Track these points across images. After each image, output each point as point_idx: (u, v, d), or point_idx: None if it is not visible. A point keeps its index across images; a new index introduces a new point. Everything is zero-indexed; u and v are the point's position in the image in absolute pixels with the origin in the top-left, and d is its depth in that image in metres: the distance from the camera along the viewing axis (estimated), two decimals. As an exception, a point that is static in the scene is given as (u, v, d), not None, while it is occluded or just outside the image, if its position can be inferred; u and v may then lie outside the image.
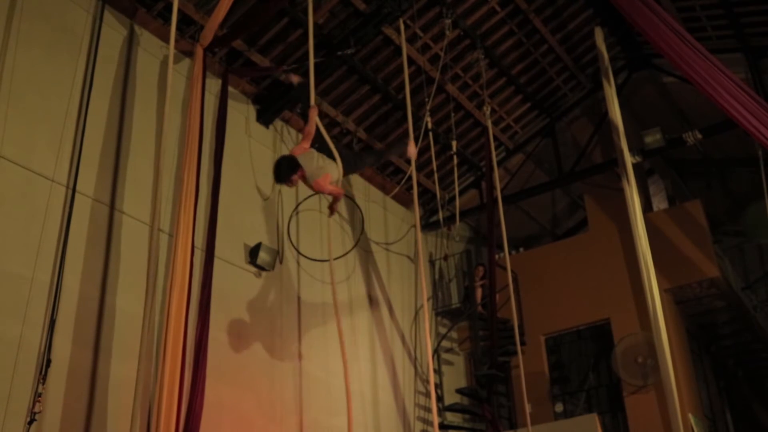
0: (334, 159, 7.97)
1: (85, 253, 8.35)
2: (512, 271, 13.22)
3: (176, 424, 7.48)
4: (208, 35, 9.47)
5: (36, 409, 7.20)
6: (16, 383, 7.23)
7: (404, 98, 10.58)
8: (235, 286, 10.13)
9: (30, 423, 7.14)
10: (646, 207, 13.94)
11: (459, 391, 13.92)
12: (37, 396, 7.26)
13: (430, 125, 12.33)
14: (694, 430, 12.21)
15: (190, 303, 8.06)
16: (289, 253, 11.26)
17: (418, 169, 13.05)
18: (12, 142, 7.95)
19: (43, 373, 7.39)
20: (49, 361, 7.47)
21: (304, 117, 9.94)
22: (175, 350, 7.64)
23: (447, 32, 11.99)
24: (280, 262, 10.99)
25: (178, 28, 9.19)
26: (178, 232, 8.20)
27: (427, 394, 12.98)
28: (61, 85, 8.72)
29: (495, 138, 13.88)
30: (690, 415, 12.27)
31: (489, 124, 12.80)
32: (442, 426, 13.01)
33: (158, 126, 9.35)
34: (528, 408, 11.34)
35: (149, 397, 8.28)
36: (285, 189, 11.52)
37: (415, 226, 10.71)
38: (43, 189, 8.13)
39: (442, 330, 14.40)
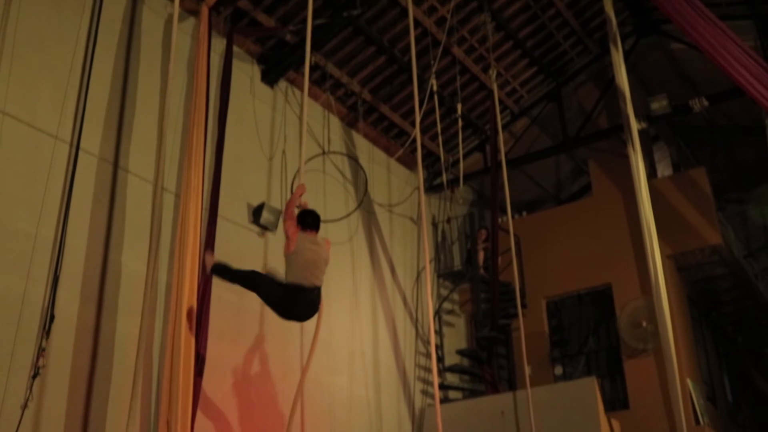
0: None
1: (89, 210, 8.39)
2: (515, 235, 13.27)
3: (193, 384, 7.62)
4: (213, -6, 9.43)
5: (40, 364, 7.30)
6: (20, 338, 7.31)
7: (410, 60, 10.52)
8: (238, 245, 10.18)
9: (34, 377, 7.25)
10: (651, 173, 13.93)
11: (459, 352, 14.04)
12: (40, 351, 7.35)
13: (435, 88, 12.28)
14: (692, 395, 12.31)
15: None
16: (292, 214, 11.28)
17: (423, 131, 13.05)
18: (16, 99, 7.95)
19: (46, 328, 7.47)
20: (52, 317, 7.54)
21: None
22: (189, 309, 7.73)
23: (454, -7, 11.93)
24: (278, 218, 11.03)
25: (183, -13, 9.15)
26: (187, 192, 8.24)
27: (428, 355, 13.08)
28: (65, 42, 8.69)
29: (500, 101, 13.83)
30: (688, 380, 12.37)
31: (494, 87, 12.75)
32: (442, 386, 13.15)
33: (162, 85, 9.35)
34: (528, 370, 11.44)
35: (152, 352, 8.39)
36: (289, 149, 11.54)
37: (418, 188, 10.75)
38: (47, 146, 8.14)
39: (444, 292, 14.48)
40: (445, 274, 14.67)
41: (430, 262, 14.33)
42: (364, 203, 12.69)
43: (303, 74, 11.87)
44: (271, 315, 10.28)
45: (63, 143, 8.28)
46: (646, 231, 11.73)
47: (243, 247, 10.28)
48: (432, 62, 12.25)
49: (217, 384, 8.98)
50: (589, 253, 14.03)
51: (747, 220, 18.18)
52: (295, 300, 7.28)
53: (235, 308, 9.82)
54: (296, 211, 7.53)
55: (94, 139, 8.64)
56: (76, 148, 8.33)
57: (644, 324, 12.75)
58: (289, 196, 11.22)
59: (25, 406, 7.12)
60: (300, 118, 12.06)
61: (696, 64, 14.14)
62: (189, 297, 7.86)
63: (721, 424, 13.42)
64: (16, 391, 7.12)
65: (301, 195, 7.64)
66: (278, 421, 9.95)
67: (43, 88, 8.29)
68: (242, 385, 9.56)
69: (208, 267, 7.70)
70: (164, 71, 9.36)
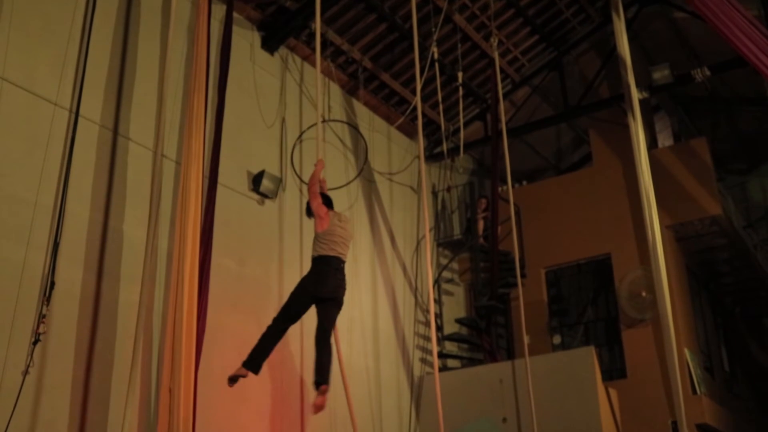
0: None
1: (89, 177, 8.37)
2: (515, 204, 13.28)
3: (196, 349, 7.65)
4: (213, -41, 9.33)
5: (40, 330, 7.31)
6: (20, 305, 7.32)
7: (411, 28, 10.47)
8: (238, 212, 10.18)
9: (35, 343, 7.26)
10: (652, 143, 13.90)
11: (458, 321, 14.09)
12: (41, 317, 7.36)
13: (436, 56, 12.21)
14: (689, 365, 12.38)
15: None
16: (292, 182, 11.28)
17: (423, 99, 12.99)
18: (15, 66, 7.90)
19: (46, 295, 7.48)
20: (52, 284, 7.55)
21: None
22: (191, 277, 7.73)
23: (456, -40, 11.83)
24: (283, 190, 11.02)
25: (182, -48, 9.06)
26: (187, 160, 8.20)
27: (427, 324, 13.13)
28: (64, 7, 8.60)
29: (501, 70, 13.76)
30: (686, 350, 12.43)
31: (496, 55, 12.67)
32: (441, 355, 13.20)
33: (162, 51, 9.29)
34: (526, 339, 11.49)
35: (152, 319, 8.41)
36: (289, 117, 11.50)
37: (418, 156, 10.73)
38: (47, 113, 8.10)
39: (443, 261, 14.50)
40: (445, 243, 14.69)
41: (430, 230, 14.33)
42: (364, 171, 12.67)
43: (303, 41, 11.88)
44: (271, 283, 10.36)
45: (62, 110, 8.23)
46: (645, 201, 11.71)
47: (242, 214, 10.28)
48: (433, 30, 12.17)
49: (218, 351, 9.00)
50: (588, 223, 14.04)
51: (747, 190, 18.19)
52: (327, 271, 7.73)
53: (235, 275, 9.85)
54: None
55: (93, 105, 8.60)
56: (76, 114, 8.29)
57: (643, 294, 12.79)
58: (289, 164, 11.23)
59: (26, 373, 7.14)
60: (301, 86, 12.01)
61: (698, 34, 14.06)
62: (189, 264, 7.85)
63: (717, 393, 13.51)
64: (16, 358, 7.15)
65: (321, 171, 8.21)
66: (278, 387, 10.00)
67: (43, 54, 8.23)
68: (243, 353, 9.58)
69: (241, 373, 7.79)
70: (164, 37, 9.29)
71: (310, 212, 8.09)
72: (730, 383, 15.24)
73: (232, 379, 7.73)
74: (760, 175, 17.89)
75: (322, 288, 7.75)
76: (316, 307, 7.86)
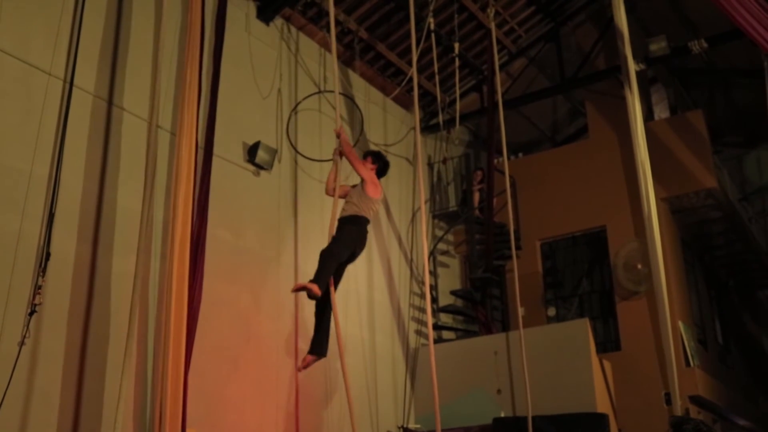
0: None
1: (84, 147, 8.32)
2: (510, 176, 13.24)
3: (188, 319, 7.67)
4: (207, -74, 9.24)
5: (36, 301, 7.30)
6: (16, 276, 7.31)
7: (407, -2, 10.39)
8: (234, 184, 10.15)
9: (30, 314, 7.25)
10: (648, 115, 13.88)
11: (454, 293, 14.12)
12: (37, 288, 7.34)
13: (432, 26, 12.15)
14: (683, 337, 12.44)
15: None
16: (287, 153, 11.25)
17: (419, 71, 12.93)
18: (8, 35, 7.83)
19: (42, 266, 7.46)
20: (48, 255, 7.53)
21: None
22: (183, 247, 7.73)
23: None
24: (279, 161, 10.99)
25: None
26: (181, 130, 8.16)
27: (422, 295, 13.15)
28: (58, -24, 8.52)
29: (498, 41, 13.65)
30: (680, 323, 12.49)
31: (492, 26, 12.58)
32: (436, 327, 13.25)
33: (156, 21, 9.21)
34: (521, 311, 11.52)
35: (148, 290, 8.41)
36: (284, 88, 11.45)
37: (414, 128, 10.68)
38: (41, 83, 8.04)
39: (439, 233, 14.51)
40: (440, 215, 14.69)
41: (426, 202, 14.34)
42: (360, 143, 12.62)
43: (298, 11, 11.79)
44: (266, 254, 10.36)
45: (57, 80, 8.17)
46: (641, 174, 11.72)
47: (238, 185, 10.25)
48: (430, 0, 12.08)
49: (213, 322, 9.02)
50: (584, 196, 14.04)
51: (742, 163, 18.18)
52: (363, 231, 8.61)
53: (231, 246, 9.84)
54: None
55: (88, 75, 8.53)
56: (70, 84, 8.22)
57: (638, 266, 12.82)
58: (284, 135, 11.19)
59: (22, 344, 7.13)
60: (296, 57, 11.94)
61: (696, 5, 14.00)
62: (184, 235, 7.84)
63: (711, 365, 13.59)
64: (13, 329, 7.14)
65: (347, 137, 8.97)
66: (272, 359, 10.03)
67: (36, 24, 8.15)
68: (237, 324, 9.61)
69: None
70: (158, 7, 9.20)
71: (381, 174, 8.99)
72: (723, 356, 15.33)
73: (299, 290, 8.22)
74: (756, 148, 17.87)
75: (361, 248, 8.61)
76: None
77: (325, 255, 8.29)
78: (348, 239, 8.46)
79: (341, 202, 8.83)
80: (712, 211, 14.03)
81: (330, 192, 8.92)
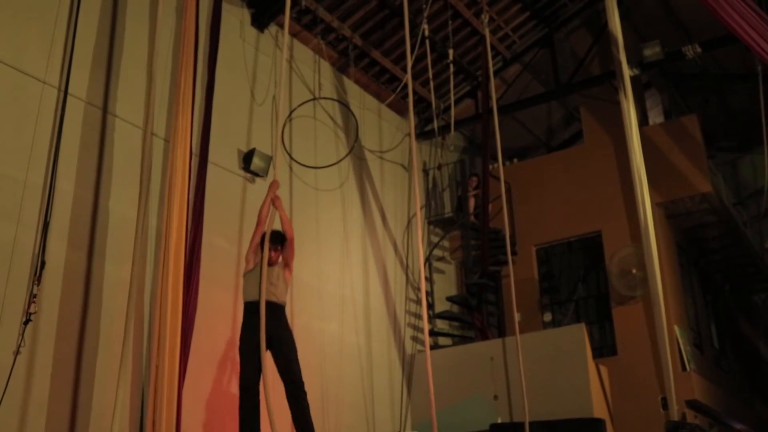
0: None
1: (78, 155, 8.31)
2: (506, 182, 13.27)
3: (182, 328, 7.65)
4: (201, -66, 9.24)
5: (31, 310, 7.29)
6: (11, 285, 7.29)
7: (401, 5, 10.37)
8: (229, 191, 10.14)
9: (26, 323, 7.23)
10: (642, 120, 13.88)
11: (450, 299, 14.11)
12: (32, 297, 7.33)
13: (426, 33, 12.15)
14: (679, 342, 12.44)
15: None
16: (282, 160, 11.23)
17: (414, 77, 12.95)
18: (2, 43, 7.82)
19: (37, 274, 7.44)
20: (43, 263, 7.52)
21: None
22: (177, 254, 7.72)
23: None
24: (274, 168, 10.96)
25: (171, -73, 8.96)
26: (175, 138, 8.17)
27: (418, 302, 13.14)
28: (52, -16, 8.52)
29: (492, 47, 13.70)
30: (675, 327, 12.49)
31: (487, 32, 12.57)
32: (432, 333, 13.23)
33: (151, 28, 9.20)
34: (517, 317, 11.49)
35: (143, 298, 8.39)
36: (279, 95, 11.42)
37: (409, 134, 10.70)
38: (35, 91, 8.02)
39: (434, 239, 14.50)
40: (436, 221, 14.69)
41: (421, 209, 14.33)
42: (355, 149, 12.63)
43: (293, 18, 11.78)
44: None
45: (51, 88, 8.16)
46: (636, 178, 11.74)
47: (233, 193, 10.24)
48: (424, 6, 12.12)
49: (209, 330, 9.00)
50: (579, 201, 14.04)
51: (737, 168, 18.21)
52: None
53: (226, 254, 9.82)
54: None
55: (82, 83, 8.52)
56: (65, 92, 8.22)
57: (634, 271, 12.82)
58: (279, 143, 11.17)
59: (17, 353, 7.12)
60: (291, 64, 11.94)
61: (689, 10, 14.01)
62: (178, 243, 7.84)
63: (707, 370, 13.58)
64: (8, 338, 7.12)
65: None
66: (268, 366, 10.00)
67: (30, 32, 8.15)
68: (233, 332, 9.59)
69: None
70: (153, 14, 9.20)
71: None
72: (719, 360, 15.33)
73: None
74: (751, 152, 17.90)
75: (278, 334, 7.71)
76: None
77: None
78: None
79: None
80: (707, 216, 14.04)
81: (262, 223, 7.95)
